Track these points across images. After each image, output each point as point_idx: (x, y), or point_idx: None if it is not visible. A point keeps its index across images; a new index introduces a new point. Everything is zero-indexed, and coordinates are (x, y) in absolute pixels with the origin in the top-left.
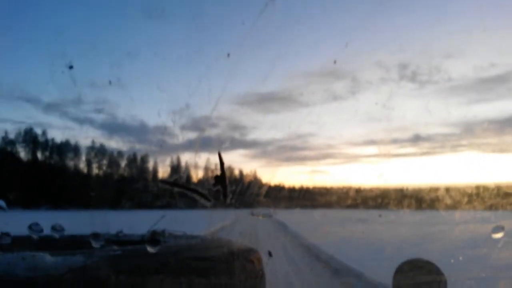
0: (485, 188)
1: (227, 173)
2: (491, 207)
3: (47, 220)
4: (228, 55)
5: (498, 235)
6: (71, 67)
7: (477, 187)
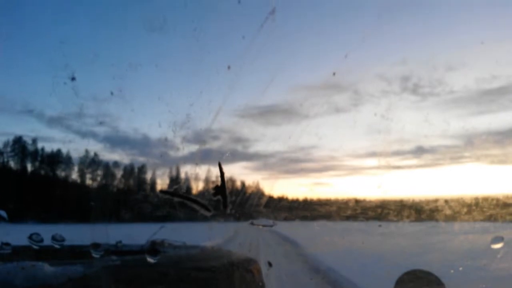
0: (485, 199)
1: (229, 185)
2: (490, 218)
3: (48, 232)
4: (229, 67)
5: (498, 246)
6: (73, 79)
7: (477, 198)
